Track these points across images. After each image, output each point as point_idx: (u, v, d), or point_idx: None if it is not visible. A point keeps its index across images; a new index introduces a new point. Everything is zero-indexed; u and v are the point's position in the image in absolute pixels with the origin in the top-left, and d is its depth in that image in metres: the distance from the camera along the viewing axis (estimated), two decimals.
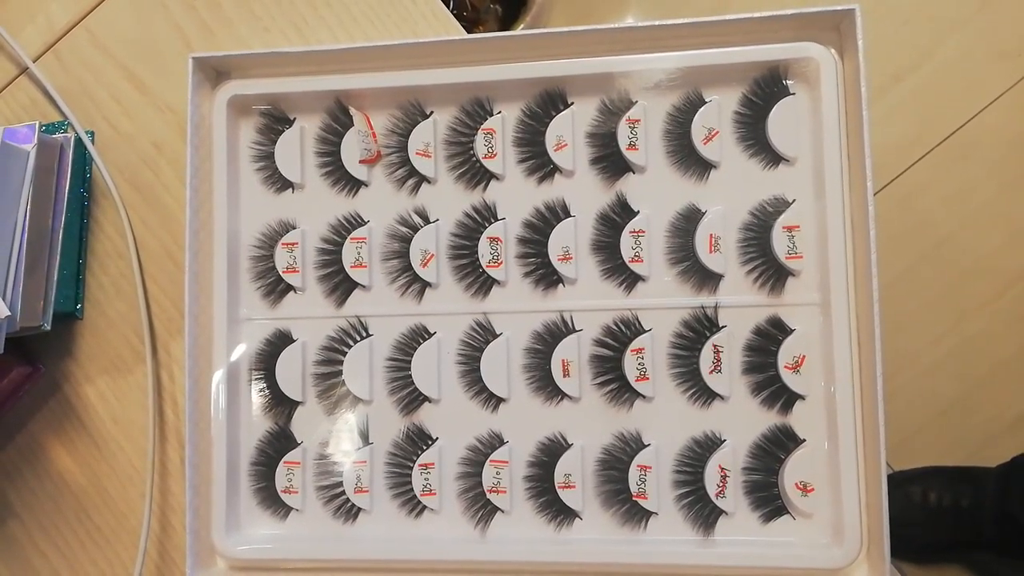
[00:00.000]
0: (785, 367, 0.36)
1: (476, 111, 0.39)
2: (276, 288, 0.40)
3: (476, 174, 0.39)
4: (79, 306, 0.43)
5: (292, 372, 0.39)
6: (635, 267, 0.37)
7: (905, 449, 1.03)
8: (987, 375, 1.05)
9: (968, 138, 1.07)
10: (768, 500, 0.36)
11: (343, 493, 0.39)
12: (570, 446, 0.37)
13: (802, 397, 0.36)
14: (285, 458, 0.39)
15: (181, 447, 0.41)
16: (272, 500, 0.39)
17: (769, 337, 0.36)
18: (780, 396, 0.36)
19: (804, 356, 0.36)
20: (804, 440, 0.36)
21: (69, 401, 0.43)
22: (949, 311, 1.08)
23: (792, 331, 0.36)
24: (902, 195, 1.10)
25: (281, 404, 0.39)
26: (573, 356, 0.37)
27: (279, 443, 0.39)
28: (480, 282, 0.38)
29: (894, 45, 1.05)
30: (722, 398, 0.36)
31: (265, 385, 0.40)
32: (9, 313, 0.34)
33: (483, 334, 0.38)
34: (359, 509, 0.39)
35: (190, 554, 0.38)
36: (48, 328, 0.40)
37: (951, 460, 1.02)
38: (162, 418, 0.42)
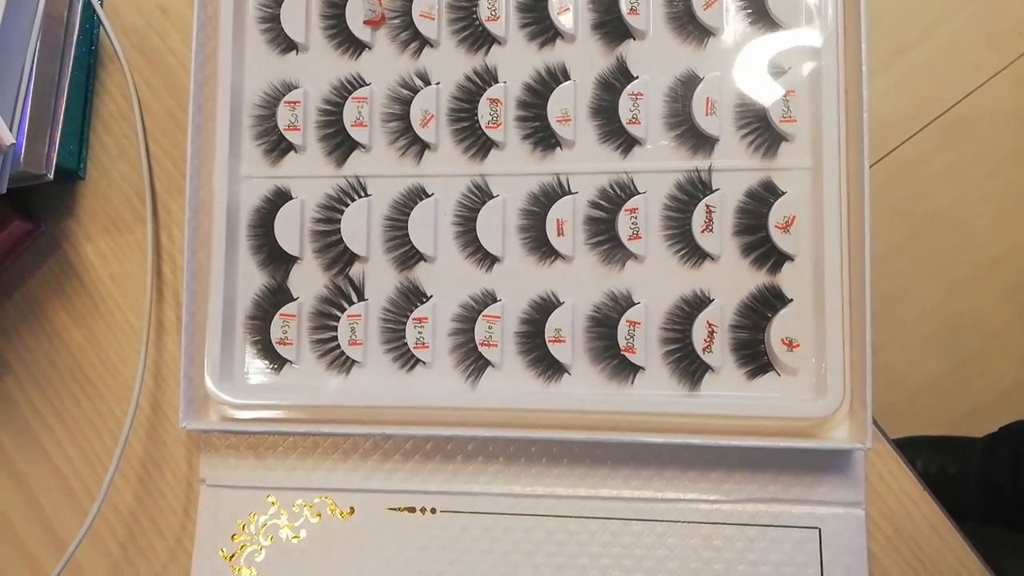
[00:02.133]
0: (776, 227, 0.36)
1: None
2: (277, 147, 0.40)
3: (478, 38, 0.39)
4: (82, 165, 0.43)
5: (290, 229, 0.40)
6: (632, 129, 0.38)
7: (893, 419, 1.04)
8: (976, 348, 1.06)
9: (964, 115, 1.08)
10: (754, 357, 0.37)
11: (337, 346, 0.39)
12: (561, 304, 0.38)
13: (791, 258, 0.37)
14: (281, 311, 0.40)
15: (178, 305, 0.42)
16: (267, 352, 0.40)
17: (761, 200, 0.37)
18: (770, 257, 0.37)
19: (794, 217, 0.36)
20: (791, 300, 0.36)
21: (68, 260, 0.43)
22: (940, 284, 1.09)
23: (784, 193, 0.37)
24: (896, 169, 1.10)
25: (279, 260, 0.40)
26: (568, 216, 0.38)
27: (275, 298, 0.40)
28: (479, 144, 0.39)
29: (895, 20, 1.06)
30: (712, 258, 0.37)
31: (263, 242, 0.40)
32: (14, 141, 0.34)
33: (480, 195, 0.39)
34: (352, 361, 0.39)
35: (183, 400, 0.39)
36: (51, 177, 0.40)
37: (939, 431, 1.02)
38: (160, 277, 0.42)
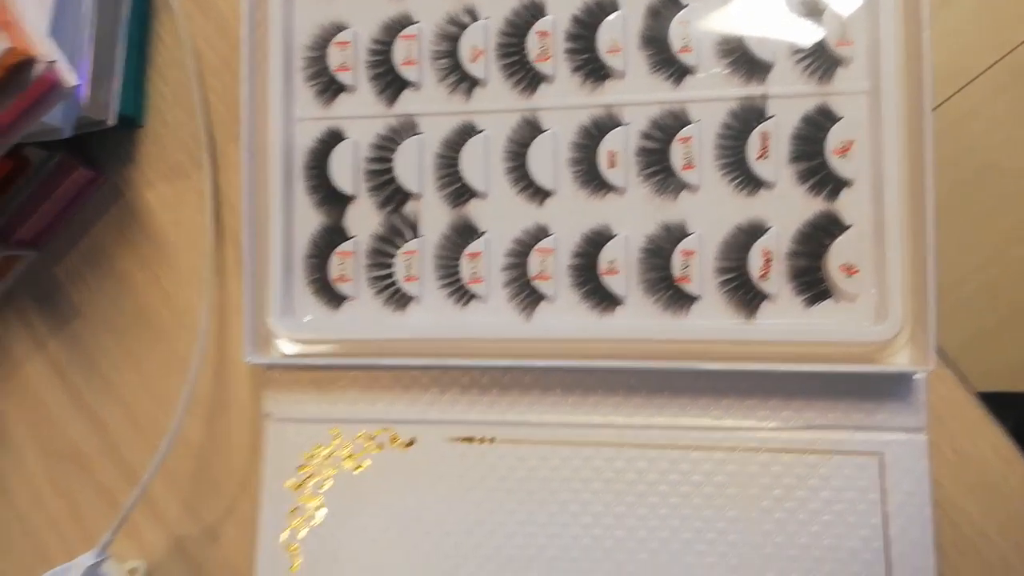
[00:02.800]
0: (833, 152, 0.36)
1: None
2: (329, 87, 0.41)
3: None
4: (140, 113, 0.44)
5: (345, 169, 0.40)
6: (684, 57, 0.37)
7: None
8: None
9: (1018, 65, 1.04)
10: (811, 284, 0.36)
11: (393, 283, 0.40)
12: (614, 236, 0.38)
13: (849, 183, 0.36)
14: (338, 249, 0.40)
15: (238, 248, 0.43)
16: (325, 290, 0.41)
17: (817, 125, 0.36)
18: (827, 183, 0.36)
19: (852, 141, 0.36)
20: (850, 226, 0.36)
21: (131, 207, 0.45)
22: (993, 237, 1.07)
23: (841, 118, 0.36)
24: (950, 120, 1.07)
25: (334, 200, 0.41)
26: (620, 148, 0.38)
27: (332, 237, 0.41)
28: (528, 78, 0.39)
29: None
30: (768, 186, 0.37)
31: (319, 182, 0.41)
32: (78, 82, 0.35)
33: (531, 130, 0.39)
34: (409, 297, 0.40)
35: (247, 337, 0.40)
36: (114, 123, 0.41)
37: (993, 386, 1.00)
38: (220, 221, 0.43)
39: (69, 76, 0.35)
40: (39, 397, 0.45)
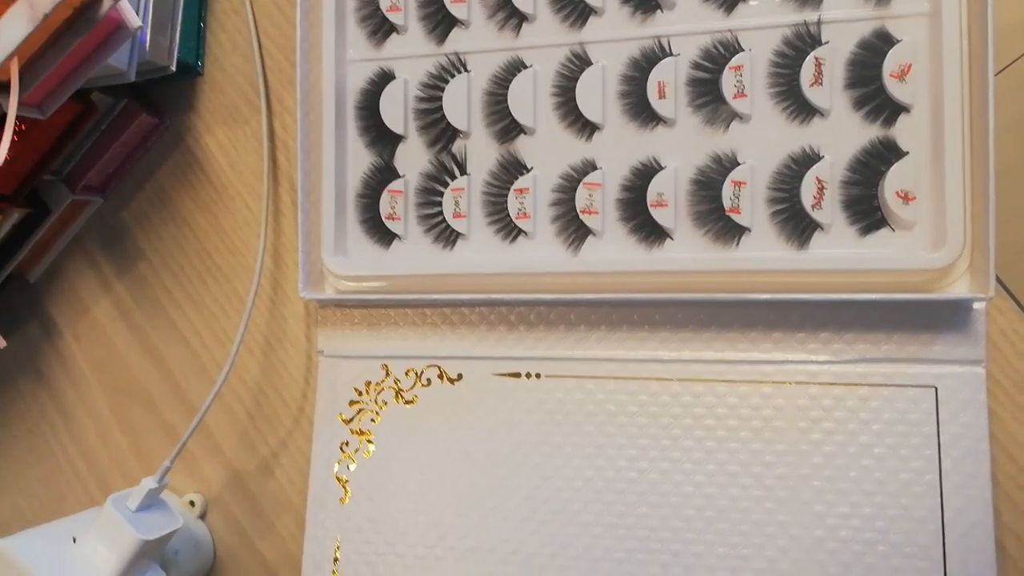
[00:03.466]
0: (890, 76, 0.35)
1: None
2: (380, 28, 0.41)
3: None
4: (199, 60, 0.46)
5: (395, 108, 0.41)
6: None
7: None
8: None
9: None
10: (866, 213, 0.35)
11: (442, 220, 0.40)
12: (663, 168, 0.38)
13: (907, 109, 0.35)
14: (388, 188, 0.41)
15: (293, 191, 0.44)
16: (376, 229, 0.41)
17: (874, 50, 0.35)
18: (884, 109, 0.35)
19: (910, 65, 0.35)
20: (907, 152, 0.35)
21: (191, 151, 0.46)
22: None
23: (899, 41, 0.35)
24: (1018, 81, 1.03)
25: (385, 139, 0.41)
26: (670, 79, 0.38)
27: (383, 176, 0.41)
28: (577, 11, 0.39)
29: None
30: (822, 114, 0.36)
31: (370, 123, 0.42)
32: (141, 24, 0.37)
33: (579, 64, 0.39)
34: (457, 234, 0.40)
35: (302, 273, 0.41)
36: (174, 69, 0.43)
37: None
38: (275, 164, 0.45)
39: (133, 17, 0.37)
40: (106, 337, 0.47)
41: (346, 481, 0.41)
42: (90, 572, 0.37)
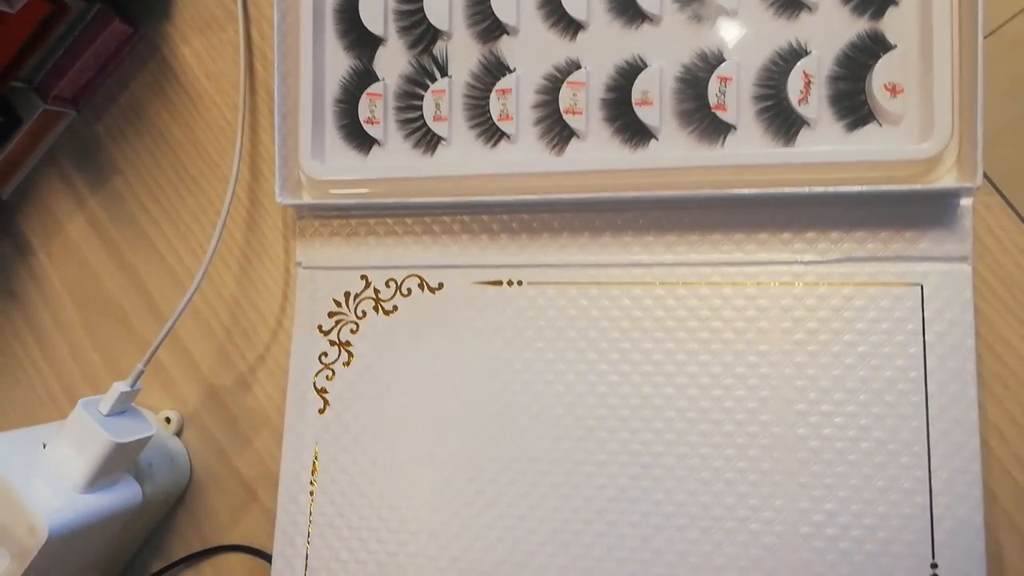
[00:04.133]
0: None
1: None
2: None
3: None
4: None
5: (375, 10, 0.40)
6: None
7: None
8: None
9: None
10: (853, 108, 0.35)
11: (423, 124, 0.40)
12: (648, 67, 0.37)
13: (895, 2, 0.34)
14: (367, 90, 0.40)
15: (270, 100, 0.43)
16: (355, 134, 0.40)
17: None
18: (872, 2, 0.35)
19: None
20: (895, 45, 0.34)
21: (167, 62, 0.45)
22: None
23: None
24: (1007, 44, 1.02)
25: (364, 42, 0.40)
26: None
27: (361, 80, 0.40)
28: None
29: None
30: (809, 8, 0.35)
31: (349, 25, 0.41)
32: None
33: None
34: (438, 138, 0.39)
35: (279, 179, 0.40)
36: None
37: None
38: (252, 72, 0.44)
39: None
40: (80, 254, 0.46)
41: (325, 392, 0.41)
42: (60, 476, 0.36)
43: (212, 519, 0.43)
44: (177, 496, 0.44)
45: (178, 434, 0.44)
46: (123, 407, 0.38)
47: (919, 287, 0.34)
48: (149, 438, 0.38)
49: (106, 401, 0.37)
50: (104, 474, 0.37)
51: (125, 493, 0.39)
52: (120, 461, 0.38)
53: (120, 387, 0.38)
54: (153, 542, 0.44)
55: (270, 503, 0.42)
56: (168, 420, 0.44)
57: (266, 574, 0.41)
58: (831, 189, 0.34)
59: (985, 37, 0.31)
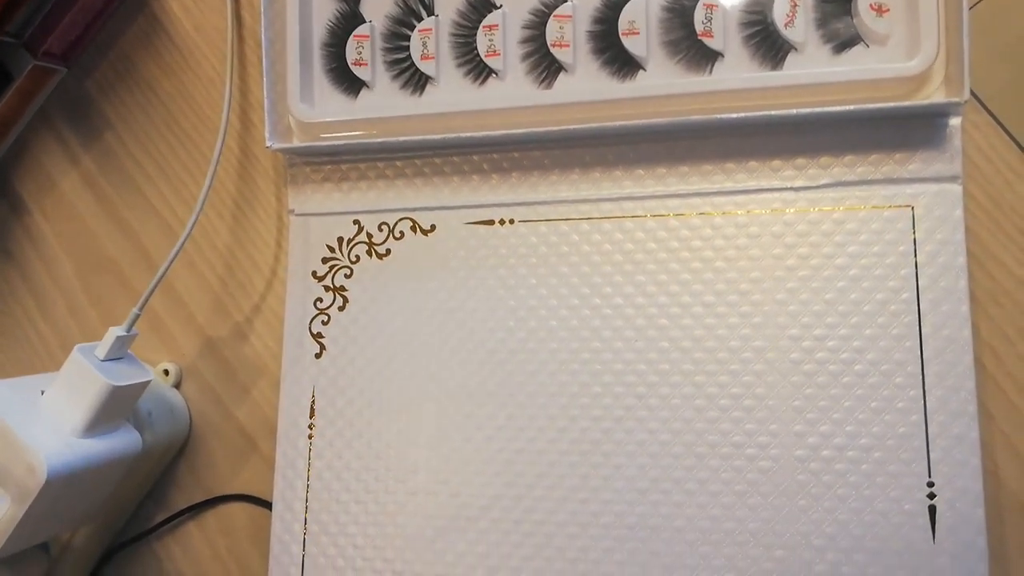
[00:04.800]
0: None
1: None
2: None
3: None
4: None
5: None
6: None
7: None
8: None
9: None
10: (841, 29, 0.35)
11: (410, 64, 0.40)
12: None
13: None
14: (354, 32, 0.40)
15: (258, 48, 0.43)
16: (343, 77, 0.40)
17: None
18: None
19: None
20: None
21: (155, 16, 0.45)
22: None
23: None
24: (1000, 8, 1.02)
25: None
26: None
27: (348, 23, 0.40)
28: None
29: None
30: None
31: None
32: None
33: None
34: (426, 78, 0.39)
35: (268, 123, 0.40)
36: None
37: None
38: (240, 22, 0.44)
39: None
40: (74, 211, 0.47)
41: (321, 337, 0.41)
42: (59, 421, 0.37)
43: (213, 470, 0.44)
44: (177, 447, 0.44)
45: (177, 386, 0.44)
46: (120, 353, 0.38)
47: (910, 209, 0.34)
48: (147, 384, 0.39)
49: (102, 346, 0.38)
50: (102, 419, 0.37)
51: (124, 440, 0.39)
52: (118, 406, 0.38)
53: (116, 331, 0.38)
54: (155, 494, 0.44)
55: (269, 452, 0.43)
56: (167, 372, 0.44)
57: (267, 521, 0.41)
58: (819, 110, 0.34)
59: None
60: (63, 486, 0.36)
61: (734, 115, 0.35)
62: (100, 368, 0.37)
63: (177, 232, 0.45)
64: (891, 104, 0.33)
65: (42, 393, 0.38)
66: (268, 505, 0.42)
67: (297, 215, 0.42)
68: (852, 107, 0.33)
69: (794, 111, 0.34)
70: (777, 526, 0.34)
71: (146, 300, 0.38)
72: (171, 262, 0.39)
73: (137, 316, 0.38)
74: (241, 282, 0.44)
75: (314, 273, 0.41)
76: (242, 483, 0.43)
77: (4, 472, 0.35)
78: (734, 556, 0.34)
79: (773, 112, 0.34)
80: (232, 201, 0.44)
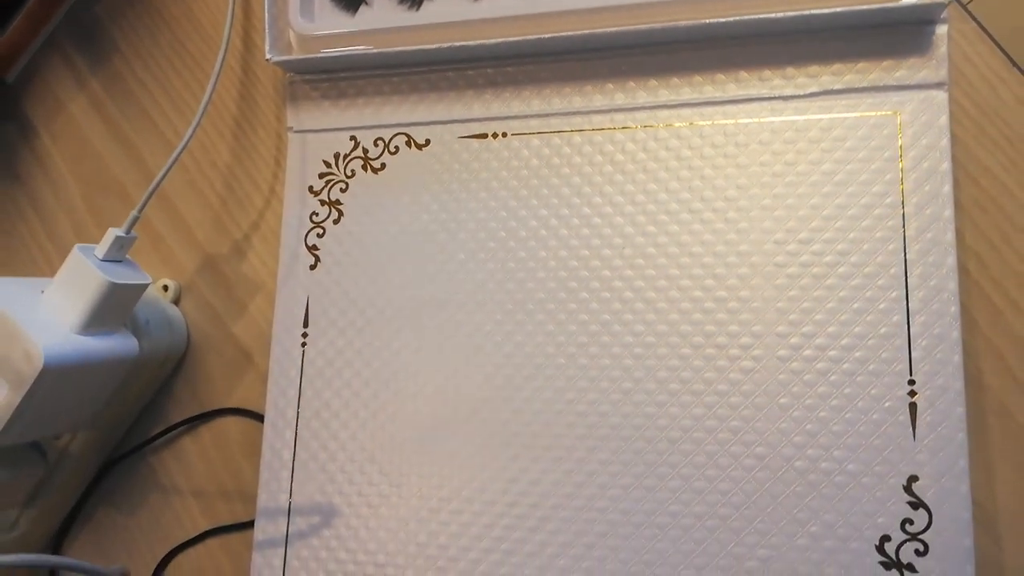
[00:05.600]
0: None
1: None
2: None
3: None
4: None
5: None
6: None
7: None
8: None
9: None
10: None
11: None
12: None
13: None
14: None
15: None
16: None
17: None
18: None
19: None
20: None
21: None
22: None
23: None
24: None
25: None
26: None
27: None
28: None
29: None
30: None
31: None
32: None
33: None
34: None
35: (268, 36, 0.41)
36: None
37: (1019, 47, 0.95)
38: None
39: None
40: (81, 133, 0.48)
41: (315, 249, 0.41)
42: (57, 317, 0.38)
43: (209, 384, 0.44)
44: (175, 361, 0.45)
45: (176, 302, 0.45)
46: (119, 256, 0.39)
47: (896, 115, 0.35)
48: (144, 287, 0.39)
49: (102, 246, 0.38)
50: (100, 317, 0.38)
51: (121, 343, 0.40)
52: (116, 307, 0.39)
53: (115, 232, 0.39)
54: (152, 409, 0.45)
55: (265, 367, 0.43)
56: (166, 288, 0.45)
57: (260, 434, 0.41)
58: (806, 12, 0.34)
59: None
60: (59, 377, 0.36)
61: (721, 20, 0.35)
62: (99, 266, 0.38)
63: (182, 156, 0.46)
64: (876, 6, 0.34)
65: (42, 292, 0.39)
66: (261, 418, 0.43)
67: (296, 132, 0.43)
68: (839, 9, 0.34)
69: (782, 14, 0.35)
70: (758, 424, 0.34)
71: (145, 203, 0.39)
72: (169, 168, 0.40)
73: (136, 218, 0.39)
74: (240, 200, 0.45)
75: (311, 188, 0.42)
76: (237, 398, 0.44)
77: (2, 360, 0.36)
78: (715, 453, 0.34)
79: (761, 15, 0.35)
80: (233, 120, 0.45)
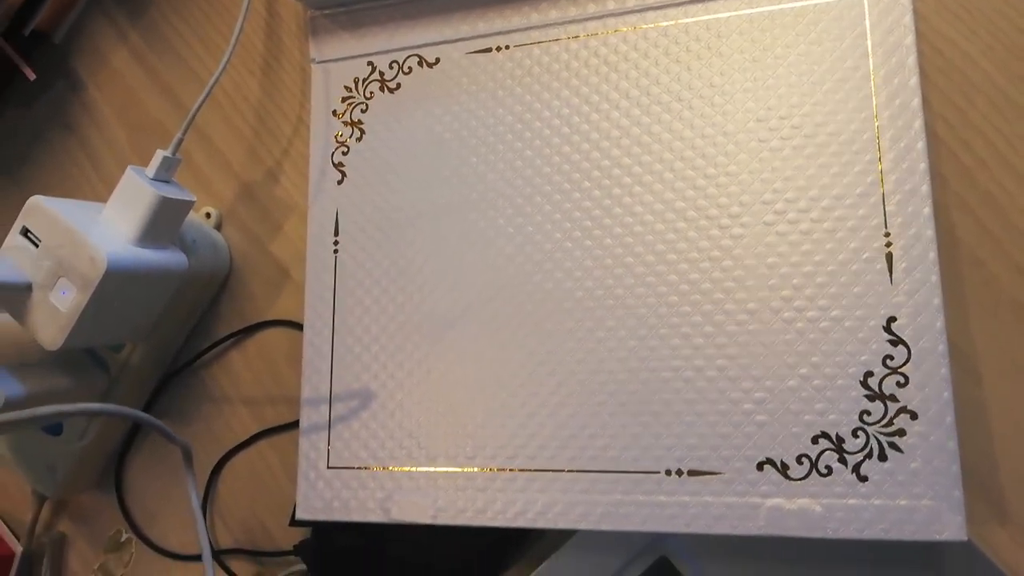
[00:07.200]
0: None
1: None
2: None
3: None
4: None
5: None
6: None
7: None
8: None
9: None
10: None
11: None
12: None
13: None
14: None
15: None
16: None
17: None
18: None
19: None
20: None
21: None
22: None
23: None
24: None
25: None
26: None
27: None
28: None
29: None
30: None
31: None
32: None
33: None
34: None
35: None
36: None
37: None
38: None
39: None
40: (124, 82, 0.52)
41: (342, 165, 0.45)
42: (115, 229, 0.42)
43: (251, 302, 0.49)
44: (220, 281, 0.49)
45: (218, 228, 0.50)
46: (166, 176, 0.44)
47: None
48: (191, 204, 0.44)
49: (151, 166, 0.43)
50: (153, 231, 0.42)
51: (173, 257, 0.44)
52: (166, 222, 0.43)
53: (162, 153, 0.43)
54: (199, 330, 0.49)
55: (301, 280, 0.47)
56: (208, 216, 0.49)
57: (301, 342, 0.46)
58: None
59: None
60: (120, 282, 0.41)
61: None
62: (150, 183, 0.42)
63: (216, 94, 0.50)
64: None
65: (100, 212, 0.43)
66: (300, 327, 0.47)
67: (318, 63, 0.47)
68: None
69: None
70: (749, 282, 0.37)
71: (187, 127, 0.43)
72: (205, 98, 0.44)
73: (180, 140, 0.43)
74: (271, 130, 0.49)
75: (334, 112, 0.46)
76: (277, 310, 0.48)
77: (69, 266, 0.40)
78: (711, 312, 0.38)
79: None
80: (261, 58, 0.49)
